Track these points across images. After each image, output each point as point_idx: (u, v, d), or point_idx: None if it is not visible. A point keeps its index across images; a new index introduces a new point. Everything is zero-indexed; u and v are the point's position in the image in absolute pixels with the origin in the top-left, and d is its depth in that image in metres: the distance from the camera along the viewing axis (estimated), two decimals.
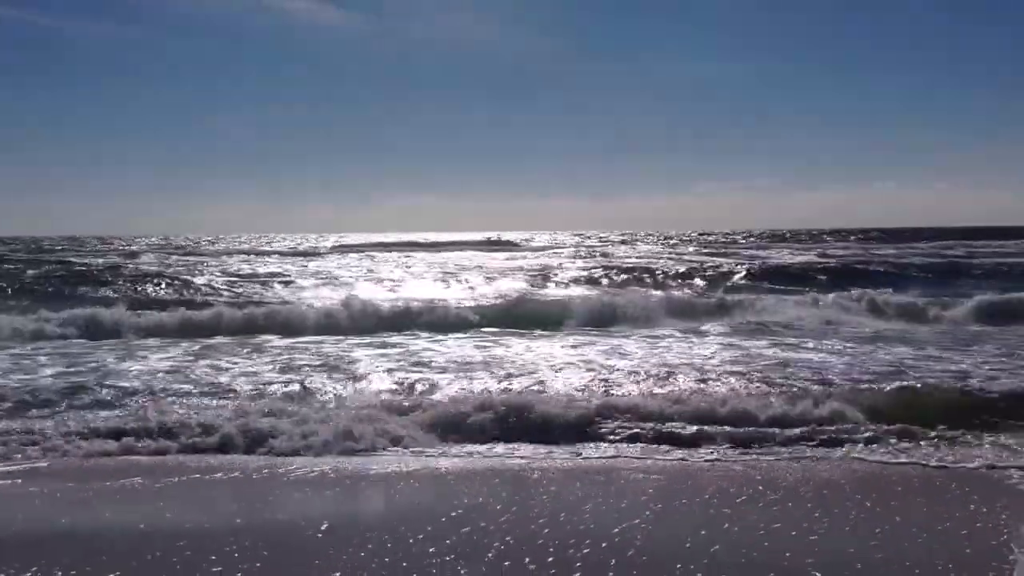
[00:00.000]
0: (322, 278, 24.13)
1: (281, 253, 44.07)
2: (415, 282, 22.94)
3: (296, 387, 8.18)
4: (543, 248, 50.56)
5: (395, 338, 12.06)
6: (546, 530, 4.28)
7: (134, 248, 49.18)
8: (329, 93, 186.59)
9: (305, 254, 43.04)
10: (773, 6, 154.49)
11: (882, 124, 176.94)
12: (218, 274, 24.88)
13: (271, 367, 9.57)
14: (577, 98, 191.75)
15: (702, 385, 8.12)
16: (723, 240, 61.01)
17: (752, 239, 61.56)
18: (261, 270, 27.63)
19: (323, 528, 4.33)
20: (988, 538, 4.17)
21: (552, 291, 20.20)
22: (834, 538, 4.21)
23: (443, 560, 3.88)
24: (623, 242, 59.14)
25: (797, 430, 6.47)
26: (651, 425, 6.63)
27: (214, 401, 7.67)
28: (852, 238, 62.59)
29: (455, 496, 4.87)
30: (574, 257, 35.64)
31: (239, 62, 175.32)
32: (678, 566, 3.81)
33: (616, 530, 4.27)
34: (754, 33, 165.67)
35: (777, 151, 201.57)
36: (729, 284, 21.55)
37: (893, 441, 6.22)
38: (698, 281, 22.43)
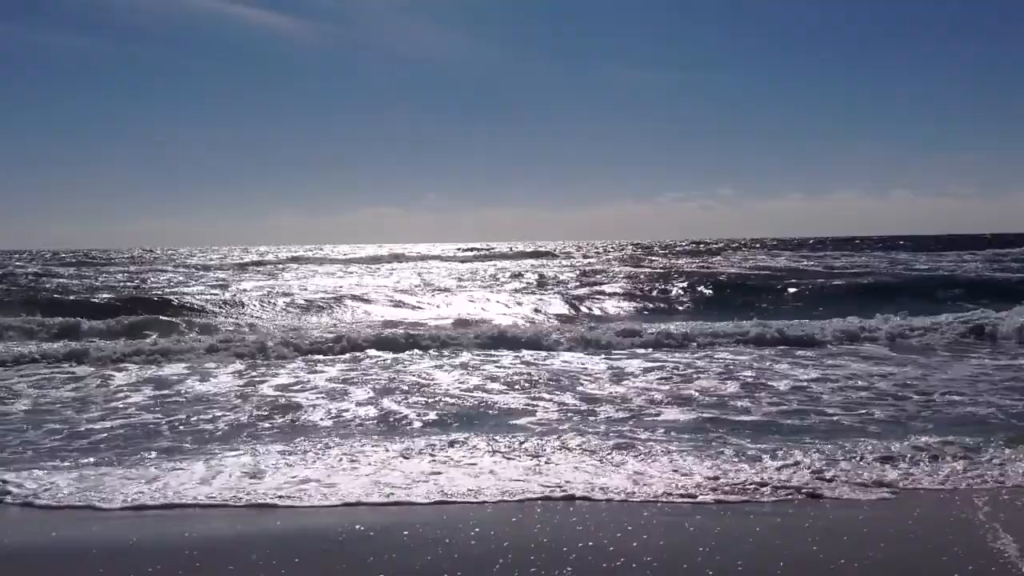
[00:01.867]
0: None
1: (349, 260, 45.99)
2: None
3: None
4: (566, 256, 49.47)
5: None
6: None
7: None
8: (293, 104, 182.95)
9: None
10: (733, 17, 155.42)
11: (843, 133, 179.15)
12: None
13: None
14: (542, 109, 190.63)
15: None
16: (744, 249, 59.78)
17: (750, 248, 60.99)
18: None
19: None
20: None
21: None
22: None
23: None
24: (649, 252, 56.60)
25: None
26: None
27: None
28: (879, 245, 61.59)
29: None
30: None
31: (202, 74, 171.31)
32: None
33: None
34: (714, 43, 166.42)
35: (740, 161, 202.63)
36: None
37: None
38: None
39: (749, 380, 9.17)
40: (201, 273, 34.60)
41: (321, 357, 11.20)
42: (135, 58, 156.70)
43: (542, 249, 61.98)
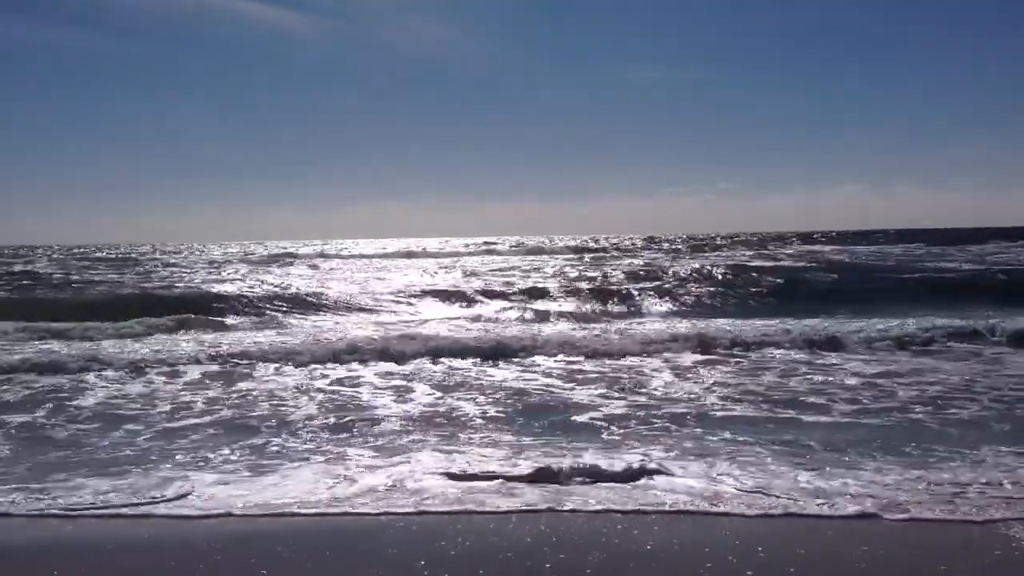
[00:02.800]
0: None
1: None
2: None
3: None
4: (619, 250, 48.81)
5: None
6: None
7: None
8: (295, 101, 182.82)
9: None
10: (733, 12, 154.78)
11: (847, 128, 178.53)
12: None
13: None
14: (542, 104, 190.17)
15: None
16: (771, 242, 58.92)
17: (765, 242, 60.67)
18: None
19: None
20: None
21: None
22: None
23: None
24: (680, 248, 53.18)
25: None
26: None
27: None
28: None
29: None
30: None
31: (202, 71, 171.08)
32: None
33: None
34: (714, 38, 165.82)
35: (740, 155, 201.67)
36: None
37: None
38: None
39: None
40: (238, 267, 34.15)
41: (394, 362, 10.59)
42: (136, 55, 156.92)
43: (566, 244, 60.77)
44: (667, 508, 4.65)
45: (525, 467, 5.52)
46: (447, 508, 4.71)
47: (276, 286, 22.84)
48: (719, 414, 7.31)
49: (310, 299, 19.08)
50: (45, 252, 61.04)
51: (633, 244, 59.96)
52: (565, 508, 4.67)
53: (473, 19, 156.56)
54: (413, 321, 16.15)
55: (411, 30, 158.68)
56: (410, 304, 19.20)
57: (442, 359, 10.69)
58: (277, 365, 10.39)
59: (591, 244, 60.93)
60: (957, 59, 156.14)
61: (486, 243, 67.66)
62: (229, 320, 16.41)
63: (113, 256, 50.68)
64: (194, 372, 10.04)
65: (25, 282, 25.26)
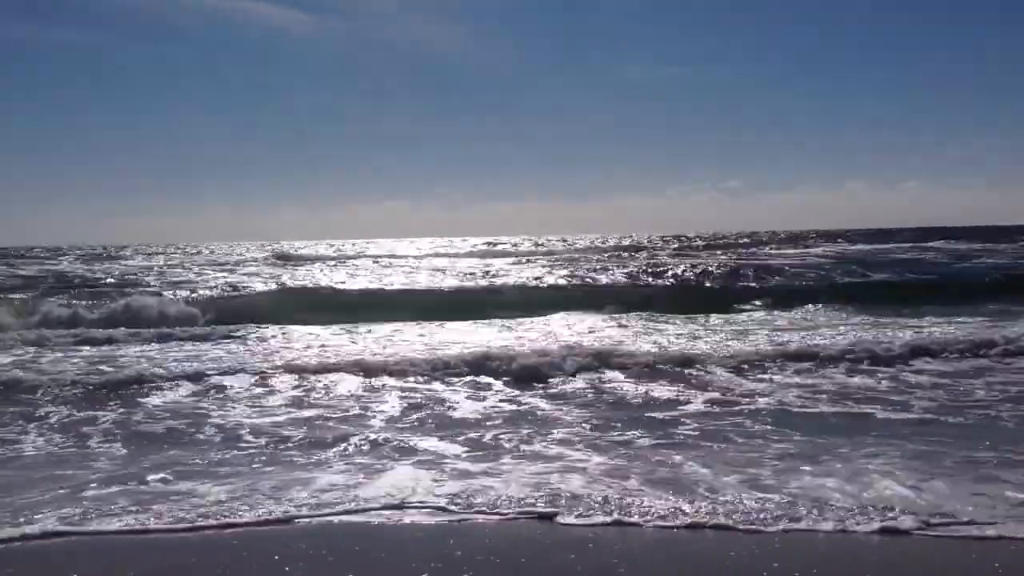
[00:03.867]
0: None
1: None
2: None
3: None
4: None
5: None
6: None
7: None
8: (295, 99, 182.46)
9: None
10: (738, 11, 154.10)
11: (851, 125, 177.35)
12: None
13: None
14: (544, 104, 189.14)
15: None
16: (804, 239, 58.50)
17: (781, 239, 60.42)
18: None
19: None
20: None
21: None
22: None
23: None
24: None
25: None
26: None
27: None
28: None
29: None
30: None
31: (203, 69, 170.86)
32: None
33: None
34: (717, 37, 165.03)
35: (747, 154, 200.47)
36: None
37: None
38: None
39: None
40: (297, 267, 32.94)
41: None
42: (137, 55, 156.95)
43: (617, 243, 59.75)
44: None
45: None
46: None
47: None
48: None
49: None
50: (60, 252, 58.99)
51: (665, 242, 59.26)
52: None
53: (475, 18, 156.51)
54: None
55: (415, 30, 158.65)
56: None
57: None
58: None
59: (642, 243, 59.75)
60: (961, 56, 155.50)
61: (489, 243, 66.71)
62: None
63: (135, 255, 48.89)
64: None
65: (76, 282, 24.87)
